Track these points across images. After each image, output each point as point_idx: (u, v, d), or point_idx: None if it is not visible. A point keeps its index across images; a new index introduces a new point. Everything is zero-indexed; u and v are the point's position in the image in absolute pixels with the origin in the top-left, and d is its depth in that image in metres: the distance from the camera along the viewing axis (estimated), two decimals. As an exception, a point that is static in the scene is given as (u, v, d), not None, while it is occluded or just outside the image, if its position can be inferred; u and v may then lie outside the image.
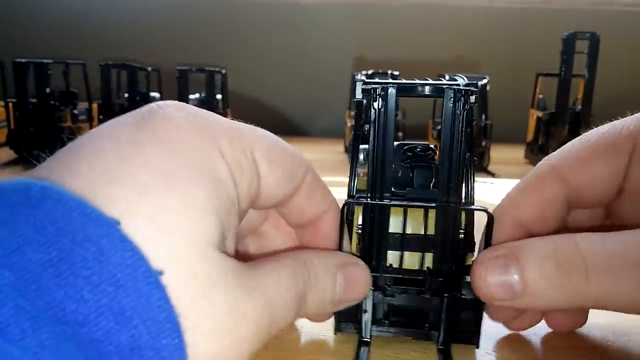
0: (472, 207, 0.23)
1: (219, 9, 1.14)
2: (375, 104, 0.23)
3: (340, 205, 0.23)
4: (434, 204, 0.23)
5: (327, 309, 0.21)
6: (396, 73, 0.83)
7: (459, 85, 0.23)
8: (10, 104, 0.70)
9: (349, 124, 0.83)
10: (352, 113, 0.84)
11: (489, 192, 0.62)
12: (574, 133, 0.73)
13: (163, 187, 0.14)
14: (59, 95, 0.72)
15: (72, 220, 0.12)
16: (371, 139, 0.23)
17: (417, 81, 0.24)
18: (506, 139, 0.81)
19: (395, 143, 0.27)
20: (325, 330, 0.26)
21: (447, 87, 0.22)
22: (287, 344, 0.25)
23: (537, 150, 0.77)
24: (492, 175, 0.69)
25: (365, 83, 0.23)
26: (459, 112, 0.22)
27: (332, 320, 0.25)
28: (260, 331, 0.16)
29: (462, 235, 0.24)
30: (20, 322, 0.11)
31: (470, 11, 1.11)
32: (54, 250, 0.12)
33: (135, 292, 0.12)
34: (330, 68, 1.12)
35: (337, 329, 0.25)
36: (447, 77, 0.77)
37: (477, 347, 0.25)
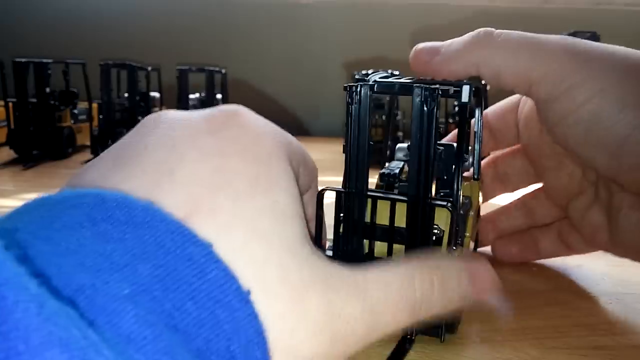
0: (436, 202, 0.24)
1: (219, 9, 1.14)
2: (352, 104, 0.24)
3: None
4: (400, 197, 0.24)
5: (451, 309, 0.19)
6: (396, 72, 0.83)
7: (426, 84, 0.24)
8: (10, 104, 0.70)
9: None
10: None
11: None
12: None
13: (254, 193, 0.15)
14: (58, 94, 0.72)
15: (174, 240, 0.13)
16: (349, 135, 0.24)
17: (392, 80, 0.26)
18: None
19: (404, 145, 0.29)
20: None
21: (415, 86, 0.24)
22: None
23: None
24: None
25: (357, 81, 0.25)
26: (426, 109, 0.23)
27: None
28: (359, 335, 0.16)
29: (442, 232, 0.24)
30: (141, 329, 0.12)
31: (471, 11, 1.11)
32: (161, 267, 0.13)
33: (229, 307, 0.13)
34: (330, 67, 1.12)
35: None
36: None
37: (442, 341, 0.25)
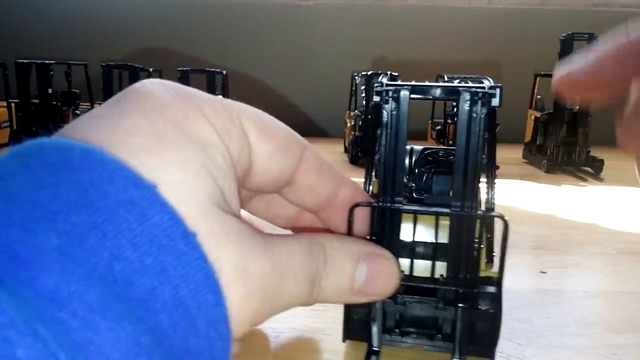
0: (489, 213, 0.22)
1: (221, 10, 1.14)
2: (387, 107, 0.22)
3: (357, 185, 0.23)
4: (446, 210, 0.22)
5: (345, 298, 0.19)
6: (395, 74, 0.83)
7: (477, 87, 0.22)
8: (13, 104, 0.70)
9: (348, 125, 0.84)
10: (352, 113, 0.85)
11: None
12: (572, 133, 0.74)
13: (154, 148, 0.14)
14: (61, 95, 0.73)
15: (114, 182, 0.13)
16: (383, 142, 0.22)
17: (431, 83, 0.23)
18: (504, 139, 0.82)
19: (419, 147, 0.27)
20: (334, 335, 0.26)
21: (463, 90, 0.21)
22: (295, 347, 0.25)
23: (535, 150, 0.77)
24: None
25: (382, 85, 0.23)
26: (475, 115, 0.21)
27: (341, 327, 0.25)
28: (266, 296, 0.16)
29: (479, 244, 0.22)
30: (68, 286, 0.11)
31: (469, 12, 1.11)
32: (98, 212, 0.12)
33: (175, 252, 0.13)
34: (330, 69, 1.13)
35: (346, 336, 0.24)
36: (446, 78, 0.77)
37: None
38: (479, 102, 0.21)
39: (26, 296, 0.10)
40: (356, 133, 0.78)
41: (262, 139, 0.18)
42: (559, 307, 0.31)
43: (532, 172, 0.74)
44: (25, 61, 0.68)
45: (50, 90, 0.70)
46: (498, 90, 0.22)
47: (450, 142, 0.77)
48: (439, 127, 0.84)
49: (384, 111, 0.22)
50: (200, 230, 0.14)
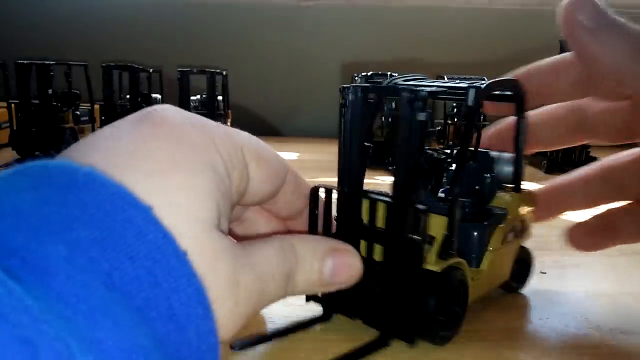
0: (416, 206, 0.24)
1: (220, 11, 1.14)
2: (345, 102, 0.25)
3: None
4: (386, 199, 0.25)
5: (315, 289, 0.22)
6: (395, 74, 0.83)
7: (416, 87, 0.24)
8: (13, 105, 0.70)
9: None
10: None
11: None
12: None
13: (167, 172, 0.16)
14: (61, 96, 0.73)
15: (113, 203, 0.14)
16: (341, 134, 0.25)
17: (380, 85, 0.27)
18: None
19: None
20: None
21: (402, 89, 0.24)
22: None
23: (535, 151, 0.77)
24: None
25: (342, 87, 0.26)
26: (406, 114, 0.23)
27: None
28: (252, 300, 0.18)
29: (422, 238, 0.24)
30: (73, 288, 0.12)
31: (469, 13, 1.11)
32: (99, 229, 0.13)
33: (167, 267, 0.14)
34: (328, 69, 1.13)
35: (307, 299, 0.28)
36: (445, 79, 0.78)
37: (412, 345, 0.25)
38: (418, 102, 0.23)
39: (37, 294, 0.11)
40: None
41: (259, 168, 0.21)
42: (559, 308, 0.31)
43: (532, 173, 0.74)
44: (25, 62, 0.68)
45: (50, 91, 0.70)
46: (472, 91, 0.24)
47: (450, 142, 0.77)
48: (439, 128, 0.84)
49: (342, 108, 0.25)
50: (200, 247, 0.16)
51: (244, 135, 0.21)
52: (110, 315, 0.12)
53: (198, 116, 0.19)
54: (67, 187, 0.14)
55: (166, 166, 0.16)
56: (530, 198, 0.31)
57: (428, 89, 0.25)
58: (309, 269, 0.21)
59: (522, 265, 0.32)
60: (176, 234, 0.15)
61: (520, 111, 0.29)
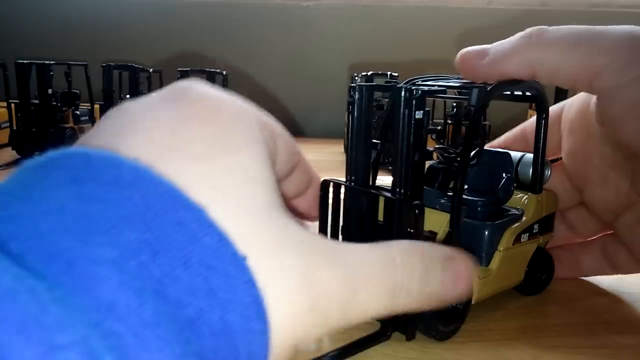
0: (411, 202, 0.24)
1: (221, 10, 1.14)
2: (352, 101, 0.26)
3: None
4: (387, 194, 0.25)
5: (428, 304, 0.18)
6: (395, 74, 0.83)
7: (412, 86, 0.25)
8: (13, 105, 0.70)
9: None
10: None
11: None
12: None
13: (216, 154, 0.14)
14: (61, 96, 0.73)
15: (163, 203, 0.12)
16: (350, 131, 0.27)
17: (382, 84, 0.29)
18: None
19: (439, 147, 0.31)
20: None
21: (400, 88, 0.24)
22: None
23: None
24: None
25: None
26: (402, 111, 0.24)
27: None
28: (334, 307, 0.15)
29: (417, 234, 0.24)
30: (125, 296, 0.11)
31: (469, 13, 1.11)
32: (149, 230, 0.12)
33: (224, 275, 0.12)
34: (329, 69, 1.13)
35: None
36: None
37: (408, 340, 0.25)
38: (414, 100, 0.24)
39: (82, 305, 0.10)
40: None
41: (282, 145, 0.18)
42: (558, 307, 0.31)
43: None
44: (25, 61, 0.68)
45: (50, 91, 0.70)
46: (476, 90, 0.25)
47: (450, 142, 0.77)
48: (439, 128, 0.84)
49: (350, 106, 0.26)
50: (262, 237, 0.14)
51: (267, 115, 0.19)
52: (160, 333, 0.11)
53: (227, 93, 0.17)
54: (112, 184, 0.12)
55: (214, 148, 0.14)
56: (550, 199, 0.31)
57: (426, 88, 0.25)
58: (428, 279, 0.17)
59: (539, 268, 0.31)
60: (232, 227, 0.13)
61: (540, 110, 0.29)
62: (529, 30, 0.28)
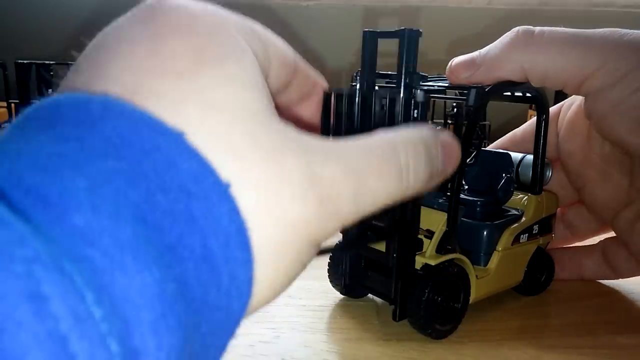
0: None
1: (220, 10, 1.14)
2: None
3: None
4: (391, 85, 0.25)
5: (430, 183, 0.19)
6: (395, 74, 0.83)
7: (395, 89, 0.25)
8: (13, 105, 0.70)
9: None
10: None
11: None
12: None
13: (200, 68, 0.14)
14: (60, 96, 0.73)
15: (138, 132, 0.12)
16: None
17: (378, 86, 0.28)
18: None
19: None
20: (334, 335, 0.26)
21: (400, 88, 0.25)
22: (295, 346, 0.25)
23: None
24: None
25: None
26: (402, 111, 0.24)
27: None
28: (344, 198, 0.15)
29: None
30: (99, 221, 0.10)
31: (468, 13, 1.11)
32: (123, 159, 0.11)
33: (206, 202, 0.12)
34: (329, 69, 1.13)
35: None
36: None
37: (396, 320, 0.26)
38: (413, 100, 0.24)
39: (54, 233, 0.10)
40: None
41: (275, 54, 0.18)
42: (558, 307, 0.31)
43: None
44: (25, 61, 0.68)
45: (50, 91, 0.70)
46: (474, 91, 0.25)
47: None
48: (439, 128, 0.84)
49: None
50: (261, 145, 0.13)
51: (250, 21, 0.18)
52: (139, 256, 0.10)
53: (200, 2, 0.16)
54: (82, 122, 0.12)
55: (197, 62, 0.14)
56: (550, 200, 0.31)
57: (426, 88, 0.25)
58: (431, 158, 0.18)
59: (539, 269, 0.32)
60: (225, 143, 0.13)
61: (540, 111, 0.29)
62: (515, 30, 0.28)
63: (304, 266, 0.15)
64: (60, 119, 0.12)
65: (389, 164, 0.16)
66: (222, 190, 0.12)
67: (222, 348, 0.13)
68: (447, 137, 0.20)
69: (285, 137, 0.14)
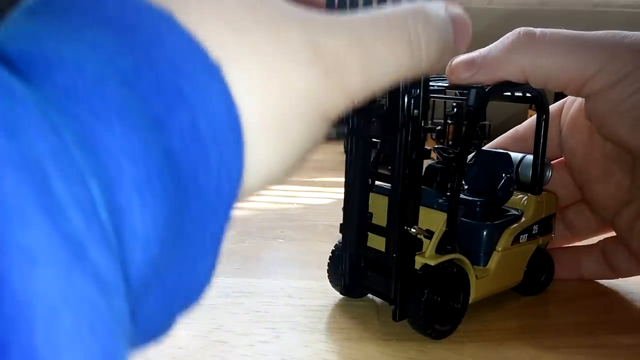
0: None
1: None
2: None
3: None
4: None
5: (446, 57, 0.18)
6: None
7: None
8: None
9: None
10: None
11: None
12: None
13: None
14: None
15: (122, 5, 0.12)
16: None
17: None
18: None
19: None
20: (333, 335, 0.26)
21: (400, 88, 0.24)
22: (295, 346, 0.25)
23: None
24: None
25: None
26: (401, 111, 0.24)
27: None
28: (354, 66, 0.14)
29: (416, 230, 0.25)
30: (84, 81, 0.10)
31: (469, 12, 1.11)
32: (108, 30, 0.11)
33: (195, 80, 0.12)
34: None
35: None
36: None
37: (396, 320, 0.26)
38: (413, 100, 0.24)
39: (42, 91, 0.10)
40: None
41: None
42: (558, 307, 0.31)
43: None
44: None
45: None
46: (474, 91, 0.26)
47: (450, 142, 0.77)
48: (439, 128, 0.84)
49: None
50: (262, 15, 0.13)
51: None
52: (126, 119, 0.10)
53: None
54: (70, 5, 0.12)
55: None
56: (550, 201, 0.31)
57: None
58: (442, 33, 0.17)
59: (539, 269, 0.32)
60: (223, 10, 0.12)
61: (540, 111, 0.29)
62: (516, 31, 0.28)
63: (314, 141, 0.14)
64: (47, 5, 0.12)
65: (399, 35, 0.15)
66: (211, 70, 0.12)
67: (217, 234, 0.13)
68: (459, 13, 0.19)
69: (286, 10, 0.14)
